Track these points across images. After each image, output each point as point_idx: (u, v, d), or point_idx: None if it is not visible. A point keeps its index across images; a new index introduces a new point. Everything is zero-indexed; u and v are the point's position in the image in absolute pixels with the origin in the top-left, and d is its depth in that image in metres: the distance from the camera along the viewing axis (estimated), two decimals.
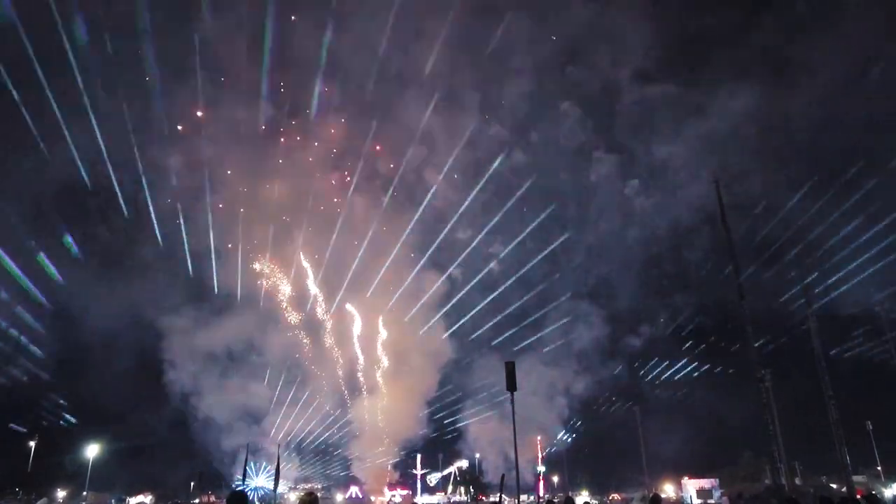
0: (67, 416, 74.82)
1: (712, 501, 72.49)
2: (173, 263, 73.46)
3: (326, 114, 78.43)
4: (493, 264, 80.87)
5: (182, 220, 72.09)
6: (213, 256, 72.65)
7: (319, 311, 79.77)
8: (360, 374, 79.94)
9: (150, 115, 70.44)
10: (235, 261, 74.57)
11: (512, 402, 25.15)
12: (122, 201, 70.72)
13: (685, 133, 78.60)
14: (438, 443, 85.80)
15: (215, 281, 73.96)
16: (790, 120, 74.06)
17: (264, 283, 78.23)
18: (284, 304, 79.02)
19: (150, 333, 74.24)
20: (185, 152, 74.07)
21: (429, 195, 79.18)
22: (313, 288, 79.08)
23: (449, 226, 78.95)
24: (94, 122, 62.40)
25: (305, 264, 78.87)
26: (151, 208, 71.20)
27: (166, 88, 70.29)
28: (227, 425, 75.86)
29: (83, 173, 66.09)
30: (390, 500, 78.92)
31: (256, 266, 77.85)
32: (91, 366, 74.12)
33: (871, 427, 65.66)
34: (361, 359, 79.94)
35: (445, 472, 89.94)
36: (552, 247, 78.60)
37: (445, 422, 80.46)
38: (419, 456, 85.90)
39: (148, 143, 69.99)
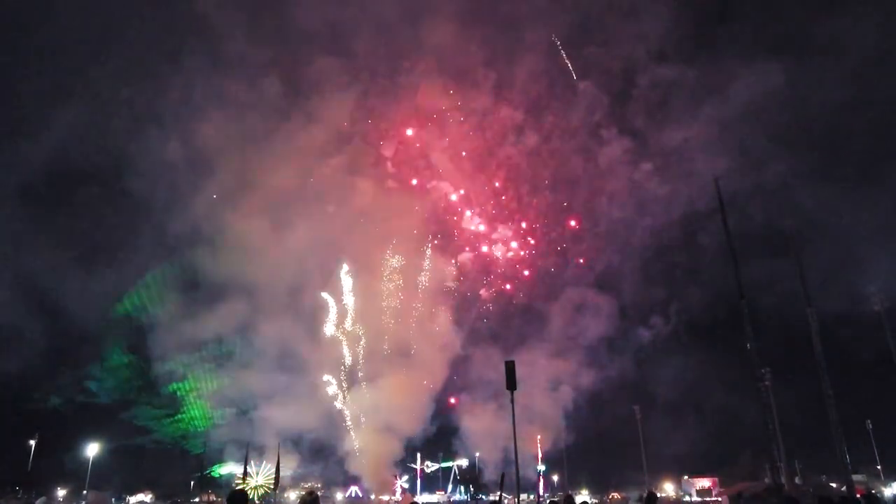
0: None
1: (711, 500, 72.59)
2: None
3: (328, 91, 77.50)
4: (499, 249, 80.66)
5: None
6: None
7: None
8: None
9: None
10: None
11: (512, 401, 25.08)
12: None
13: (702, 116, 77.07)
14: (439, 440, 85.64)
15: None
16: (812, 102, 71.98)
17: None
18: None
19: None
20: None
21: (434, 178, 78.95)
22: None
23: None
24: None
25: None
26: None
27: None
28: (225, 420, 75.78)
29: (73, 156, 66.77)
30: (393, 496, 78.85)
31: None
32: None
33: (871, 427, 65.78)
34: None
35: (445, 465, 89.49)
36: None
37: (446, 417, 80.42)
38: (419, 454, 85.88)
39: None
